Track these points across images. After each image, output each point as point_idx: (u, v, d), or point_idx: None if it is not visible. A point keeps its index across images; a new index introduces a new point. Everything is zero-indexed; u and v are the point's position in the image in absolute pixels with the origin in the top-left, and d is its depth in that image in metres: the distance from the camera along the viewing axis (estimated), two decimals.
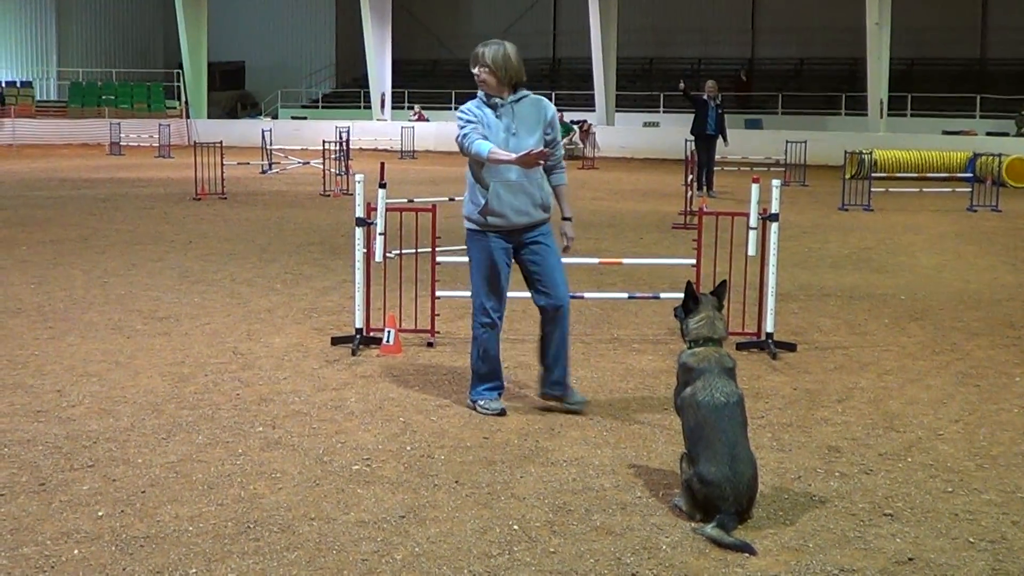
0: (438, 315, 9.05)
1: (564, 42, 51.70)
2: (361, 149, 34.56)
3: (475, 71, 6.76)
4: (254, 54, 56.35)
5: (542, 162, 6.58)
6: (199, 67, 45.26)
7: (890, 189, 22.51)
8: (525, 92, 6.85)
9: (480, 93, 6.84)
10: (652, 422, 6.73)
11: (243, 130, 39.59)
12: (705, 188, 22.86)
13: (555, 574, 4.56)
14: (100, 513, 5.15)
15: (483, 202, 6.76)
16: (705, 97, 23.38)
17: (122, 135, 36.91)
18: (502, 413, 6.87)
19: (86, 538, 4.86)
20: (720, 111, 23.38)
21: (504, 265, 6.90)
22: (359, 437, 6.39)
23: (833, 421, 6.86)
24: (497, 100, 6.77)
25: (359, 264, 8.71)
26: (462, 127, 6.79)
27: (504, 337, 9.05)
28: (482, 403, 6.93)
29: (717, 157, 24.17)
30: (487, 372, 7.00)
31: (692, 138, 23.08)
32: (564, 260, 7.15)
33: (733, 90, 42.97)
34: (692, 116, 23.68)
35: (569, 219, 7.16)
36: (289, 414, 6.83)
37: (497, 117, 6.76)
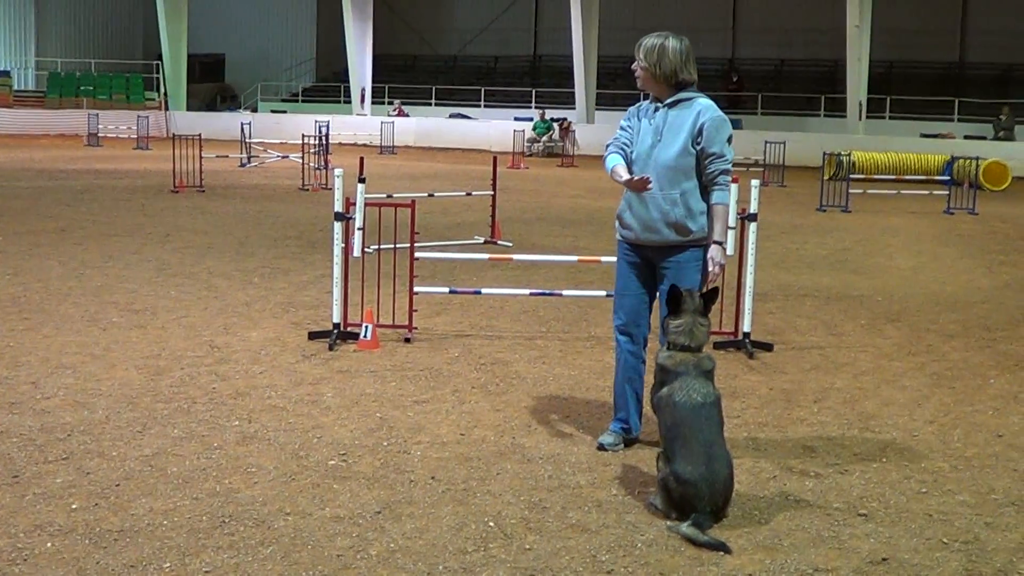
0: (416, 311, 9.04)
1: (545, 39, 51.64)
2: (340, 144, 34.48)
3: (633, 65, 6.09)
4: (234, 47, 56.12)
5: (649, 187, 5.87)
6: (178, 59, 45.04)
7: (868, 191, 22.57)
8: (687, 94, 6.03)
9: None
10: None
11: (222, 123, 39.43)
12: None
13: (530, 571, 4.56)
14: (74, 506, 5.13)
15: (619, 217, 6.22)
16: None
17: (100, 126, 36.70)
18: (599, 447, 6.19)
19: (59, 531, 4.83)
20: None
21: (632, 280, 6.22)
22: (335, 432, 6.37)
23: (809, 421, 6.88)
24: (658, 102, 6.09)
25: (337, 259, 8.69)
26: (617, 134, 6.29)
27: (479, 333, 9.08)
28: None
29: None
30: (615, 399, 6.37)
31: None
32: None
33: (724, 90, 43.01)
34: None
35: (719, 243, 6.02)
36: (265, 408, 6.81)
37: (650, 122, 6.08)
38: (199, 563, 4.55)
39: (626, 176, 5.99)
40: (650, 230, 6.05)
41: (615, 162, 6.12)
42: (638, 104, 6.26)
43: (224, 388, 7.25)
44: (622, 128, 6.25)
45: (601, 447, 6.19)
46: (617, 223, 6.28)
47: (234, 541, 4.78)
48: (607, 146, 6.26)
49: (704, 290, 5.86)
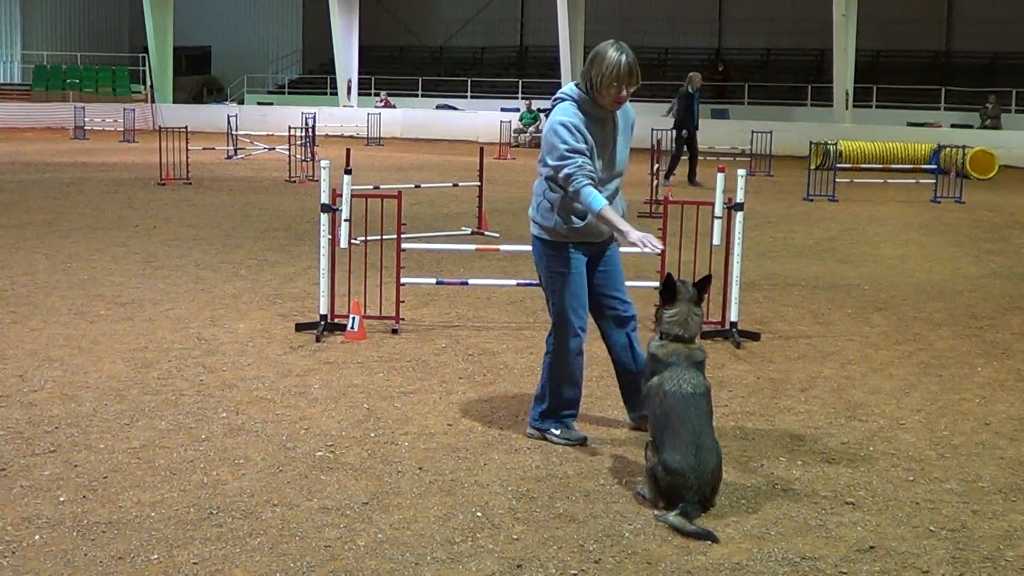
0: (403, 302, 9.04)
1: (531, 30, 51.60)
2: (327, 135, 34.42)
3: (624, 93, 5.85)
4: (220, 39, 55.99)
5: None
6: (165, 51, 44.92)
7: (855, 180, 22.62)
8: None
9: (580, 97, 5.92)
10: (616, 409, 6.73)
11: (209, 115, 39.32)
12: (689, 178, 22.97)
13: (518, 561, 4.57)
14: (62, 499, 5.12)
15: (577, 222, 5.96)
16: (691, 90, 23.20)
17: (87, 119, 36.54)
18: (583, 442, 6.09)
19: (47, 524, 4.83)
20: (698, 102, 23.41)
21: (586, 278, 6.13)
22: (323, 423, 6.37)
23: (796, 410, 6.90)
24: (599, 109, 5.93)
25: (324, 250, 8.68)
26: (568, 157, 5.79)
27: (466, 324, 9.08)
28: (558, 433, 6.14)
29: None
30: (573, 397, 6.23)
31: (670, 129, 23.13)
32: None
33: (710, 80, 43.06)
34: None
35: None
36: (253, 400, 6.81)
37: (599, 132, 5.93)
38: (187, 555, 4.55)
39: (637, 234, 5.68)
40: (600, 229, 6.06)
41: (603, 203, 5.76)
42: (571, 113, 5.89)
43: (211, 380, 7.24)
44: (578, 152, 5.81)
45: (584, 441, 6.12)
46: (565, 228, 6.01)
47: (222, 532, 4.78)
48: (570, 175, 5.78)
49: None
